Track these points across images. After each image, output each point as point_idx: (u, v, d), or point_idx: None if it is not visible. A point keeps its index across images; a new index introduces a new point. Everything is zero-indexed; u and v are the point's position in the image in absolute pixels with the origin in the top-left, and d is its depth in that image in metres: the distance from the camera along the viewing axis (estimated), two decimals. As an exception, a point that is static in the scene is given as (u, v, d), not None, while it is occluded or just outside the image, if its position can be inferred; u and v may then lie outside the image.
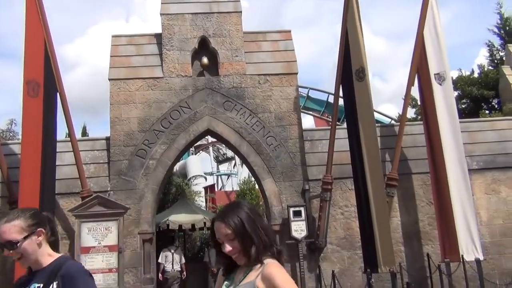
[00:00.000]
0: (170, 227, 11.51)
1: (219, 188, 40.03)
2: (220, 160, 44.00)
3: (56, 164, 9.65)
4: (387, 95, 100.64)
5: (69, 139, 10.12)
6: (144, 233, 10.09)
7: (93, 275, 7.47)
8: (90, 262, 8.71)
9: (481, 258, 9.90)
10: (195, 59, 11.29)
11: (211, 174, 41.37)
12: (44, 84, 9.13)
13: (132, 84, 10.90)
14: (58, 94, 9.55)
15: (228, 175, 43.37)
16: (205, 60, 11.14)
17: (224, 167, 44.11)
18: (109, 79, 10.89)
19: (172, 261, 11.44)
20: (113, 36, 11.31)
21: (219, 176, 43.39)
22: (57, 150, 9.67)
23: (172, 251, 11.60)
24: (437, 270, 9.74)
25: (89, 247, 8.72)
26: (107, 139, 10.77)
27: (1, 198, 9.96)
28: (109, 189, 10.27)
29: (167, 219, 11.37)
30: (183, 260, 11.73)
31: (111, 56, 11.05)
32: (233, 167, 42.54)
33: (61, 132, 18.30)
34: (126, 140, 10.59)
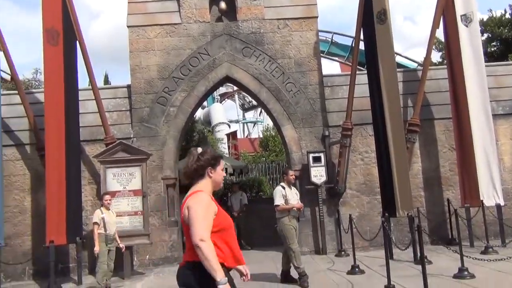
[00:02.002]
0: (192, 173, 11.81)
1: (245, 136, 40.40)
2: (246, 107, 44.10)
3: (80, 112, 9.88)
4: (417, 38, 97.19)
5: (90, 87, 10.28)
6: (167, 178, 10.40)
7: (119, 217, 7.95)
8: (116, 205, 9.11)
9: (502, 203, 9.89)
10: (213, 4, 11.10)
11: (237, 121, 41.67)
12: (64, 32, 9.18)
13: (151, 31, 10.86)
14: (77, 42, 9.62)
15: (254, 123, 43.61)
16: (222, 4, 10.93)
17: (250, 115, 44.28)
18: (128, 26, 10.87)
19: None
20: (129, -19, 11.16)
21: (245, 124, 43.68)
22: (80, 98, 9.86)
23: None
24: (455, 215, 9.77)
25: (115, 191, 9.09)
26: (128, 87, 10.91)
27: (30, 145, 10.34)
28: (132, 136, 10.52)
29: (189, 165, 11.64)
30: None
31: (128, 2, 10.97)
32: (259, 115, 42.65)
33: (84, 81, 18.62)
34: (146, 88, 10.71)
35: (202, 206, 2.87)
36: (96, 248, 7.67)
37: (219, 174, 3.14)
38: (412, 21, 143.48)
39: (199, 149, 3.16)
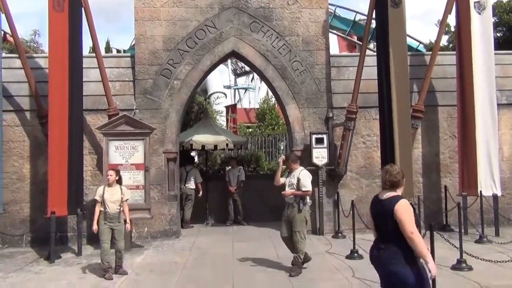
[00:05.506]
0: (193, 147, 11.72)
1: (236, 102, 40.12)
2: (238, 73, 43.58)
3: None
4: (413, 11, 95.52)
5: (94, 55, 10.01)
6: (169, 152, 10.33)
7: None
8: (117, 179, 9.04)
9: (499, 194, 10.03)
10: (222, -25, 10.78)
11: (229, 87, 41.27)
12: (69, -2, 8.87)
13: (157, 0, 10.53)
14: (83, 9, 9.30)
15: (246, 89, 43.26)
16: (232, -24, 10.61)
17: (241, 81, 43.84)
18: (133, -7, 10.53)
19: (185, 179, 11.78)
20: None
21: (236, 90, 43.32)
22: (83, 66, 9.61)
23: (187, 170, 11.90)
24: (453, 202, 9.88)
25: (117, 164, 8.98)
26: (132, 56, 10.66)
27: (31, 111, 10.14)
28: (134, 107, 10.35)
29: (191, 139, 11.53)
30: (199, 180, 11.99)
31: (135, -32, 10.58)
32: (251, 81, 42.25)
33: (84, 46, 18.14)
34: (151, 59, 10.47)
35: None
36: (94, 227, 7.30)
37: None
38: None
39: None
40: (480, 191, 9.86)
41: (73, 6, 9.00)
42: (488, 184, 10.04)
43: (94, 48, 9.89)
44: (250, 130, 20.93)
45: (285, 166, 7.86)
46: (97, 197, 7.35)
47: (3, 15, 9.10)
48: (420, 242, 3.74)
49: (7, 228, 9.78)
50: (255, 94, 39.76)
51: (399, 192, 4.03)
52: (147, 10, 10.48)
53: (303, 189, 7.18)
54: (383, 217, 3.94)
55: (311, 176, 7.46)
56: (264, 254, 8.46)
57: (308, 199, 7.32)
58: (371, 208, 4.20)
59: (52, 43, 8.83)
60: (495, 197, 10.04)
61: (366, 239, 9.46)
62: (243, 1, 10.68)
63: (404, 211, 3.82)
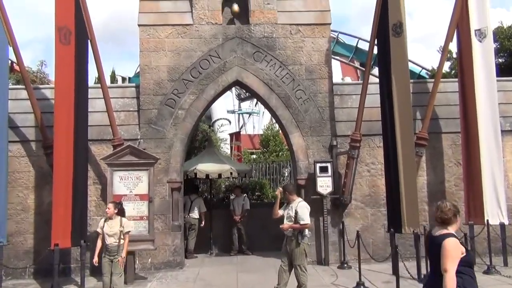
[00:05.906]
0: (197, 176, 11.71)
1: (240, 127, 40.24)
2: (242, 98, 43.83)
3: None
4: (414, 34, 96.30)
5: (99, 85, 10.12)
6: (173, 182, 10.32)
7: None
8: (121, 209, 9.00)
9: (506, 222, 9.92)
10: (225, 6, 10.96)
11: (233, 112, 41.47)
12: (76, 31, 9.01)
13: (162, 31, 10.71)
14: (89, 41, 9.45)
15: (250, 114, 43.43)
16: (235, 7, 10.80)
17: (246, 105, 44.06)
18: (139, 25, 10.70)
19: (189, 208, 11.73)
20: (142, -21, 10.95)
21: (240, 115, 43.50)
22: (89, 97, 9.69)
23: (192, 199, 11.86)
24: (460, 231, 9.75)
25: (121, 195, 8.97)
26: (137, 86, 10.78)
27: (36, 142, 10.19)
28: (139, 137, 10.40)
29: (195, 168, 11.53)
30: (203, 209, 11.92)
31: (140, 0, 10.77)
32: (255, 105, 42.46)
33: (90, 76, 18.30)
34: (155, 89, 10.57)
35: None
36: (94, 259, 7.30)
37: None
38: (410, 16, 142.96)
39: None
40: (487, 220, 9.75)
41: (79, 39, 9.13)
42: (494, 212, 9.94)
43: (100, 79, 10.00)
44: (254, 156, 20.93)
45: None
46: (99, 229, 7.35)
47: (10, 48, 9.24)
48: (449, 283, 3.78)
49: (11, 260, 9.70)
50: (259, 119, 39.90)
51: (451, 229, 4.05)
52: (152, 41, 10.64)
53: (301, 222, 7.00)
54: (433, 253, 4.06)
55: (309, 208, 7.27)
56: (268, 287, 8.32)
57: (306, 232, 7.17)
58: (425, 243, 4.37)
59: (58, 75, 8.92)
60: (502, 225, 9.92)
61: (372, 270, 9.43)
62: (246, 31, 10.83)
63: (449, 248, 3.87)
